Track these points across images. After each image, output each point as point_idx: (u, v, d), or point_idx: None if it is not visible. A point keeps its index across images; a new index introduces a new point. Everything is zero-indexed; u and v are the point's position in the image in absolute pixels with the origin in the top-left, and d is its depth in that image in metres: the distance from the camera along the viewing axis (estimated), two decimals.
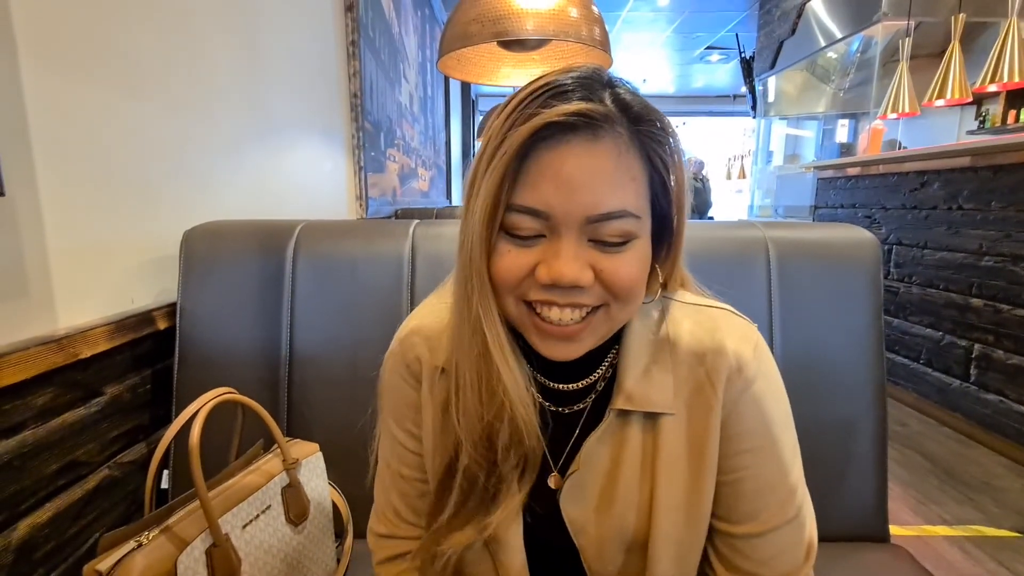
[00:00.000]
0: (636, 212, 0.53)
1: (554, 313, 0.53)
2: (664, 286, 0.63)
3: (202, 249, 1.29)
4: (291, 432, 1.16)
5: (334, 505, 1.06)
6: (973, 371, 2.88)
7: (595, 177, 0.50)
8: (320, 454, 1.03)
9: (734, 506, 0.63)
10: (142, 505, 0.82)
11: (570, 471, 0.63)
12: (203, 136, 1.45)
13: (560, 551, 0.64)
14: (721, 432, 0.61)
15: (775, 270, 1.19)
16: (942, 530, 2.12)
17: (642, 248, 0.55)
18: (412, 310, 0.78)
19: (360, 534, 1.14)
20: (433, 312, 0.70)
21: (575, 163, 0.50)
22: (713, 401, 0.60)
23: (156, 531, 0.75)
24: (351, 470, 1.07)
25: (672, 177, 0.55)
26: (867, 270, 1.18)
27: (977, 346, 2.84)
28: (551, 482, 0.65)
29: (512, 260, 0.53)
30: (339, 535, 1.08)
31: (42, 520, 0.99)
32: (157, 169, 1.28)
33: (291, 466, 0.93)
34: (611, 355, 0.64)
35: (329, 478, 1.06)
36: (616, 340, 0.64)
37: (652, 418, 0.62)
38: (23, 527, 0.94)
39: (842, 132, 5.99)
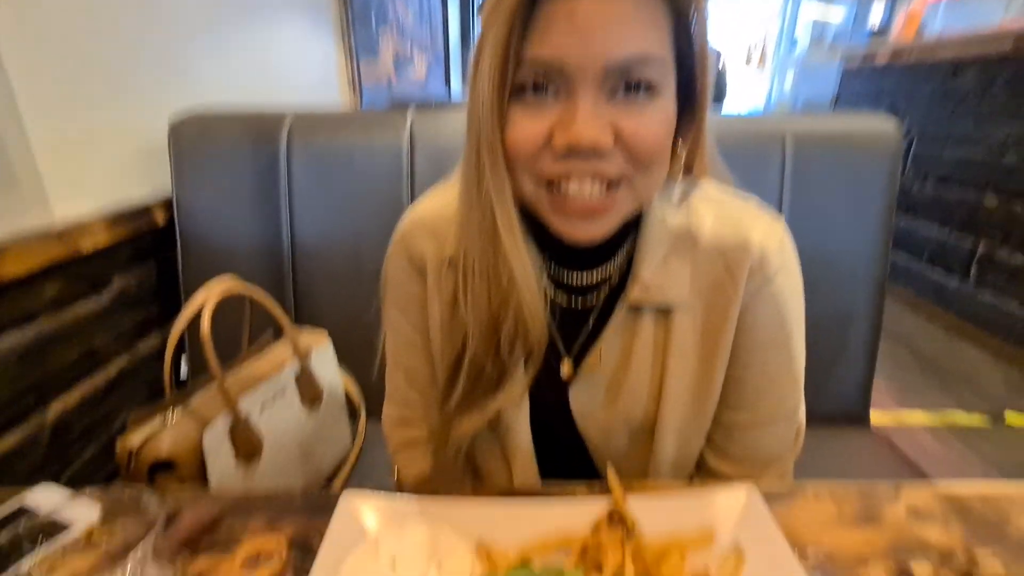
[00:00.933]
0: (659, 57, 0.47)
1: (574, 187, 0.49)
2: (688, 170, 0.59)
3: (191, 141, 1.23)
4: (299, 323, 1.19)
5: (346, 390, 1.12)
6: (974, 270, 2.89)
7: (613, 20, 0.44)
8: (329, 342, 1.06)
9: (735, 396, 0.64)
10: (162, 392, 0.86)
11: (581, 367, 0.64)
12: (174, 17, 1.32)
13: (566, 437, 0.66)
14: (736, 325, 0.61)
15: (789, 162, 1.14)
16: (918, 417, 2.25)
17: (665, 107, 0.49)
18: (413, 202, 0.76)
19: (372, 416, 1.22)
20: (438, 201, 0.67)
21: (590, 5, 0.44)
22: (732, 295, 0.59)
23: (179, 411, 0.79)
24: (360, 357, 1.11)
25: (697, 29, 0.49)
26: (885, 162, 1.13)
27: (983, 245, 2.82)
28: (563, 373, 0.65)
29: (526, 128, 0.48)
30: (352, 417, 1.15)
31: (71, 404, 1.04)
32: (131, 54, 1.18)
33: (302, 353, 0.96)
34: (628, 245, 0.62)
35: (340, 364, 1.11)
36: (634, 230, 0.61)
37: (666, 313, 0.62)
38: (55, 408, 1.00)
39: (876, 14, 5.47)
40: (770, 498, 0.51)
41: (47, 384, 1.00)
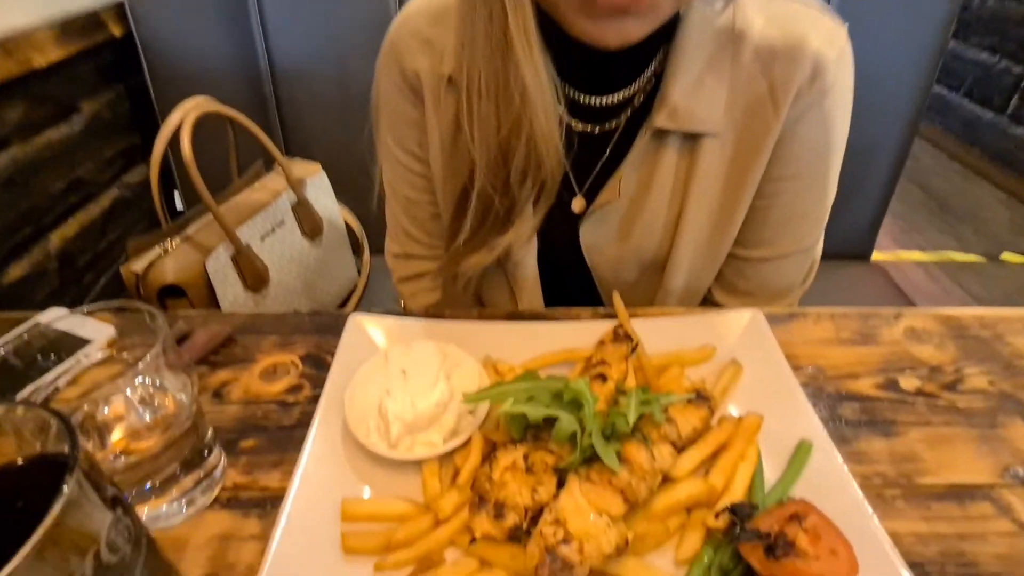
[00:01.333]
0: None
1: None
2: None
3: None
4: (290, 154, 1.12)
5: (347, 224, 1.10)
6: (1014, 102, 2.68)
7: None
8: (323, 173, 1.01)
9: (754, 231, 0.60)
10: (160, 223, 0.84)
11: (596, 201, 0.58)
12: None
13: (573, 270, 0.64)
14: (771, 152, 0.54)
15: None
16: (916, 255, 2.29)
17: None
18: (403, 5, 0.64)
19: (377, 250, 1.22)
20: (434, 1, 0.56)
21: None
22: (772, 120, 0.52)
23: (177, 240, 0.78)
24: (357, 189, 1.07)
25: None
26: None
27: None
28: (574, 207, 0.60)
29: None
30: (356, 251, 1.15)
31: (70, 234, 1.03)
32: None
33: (295, 183, 0.92)
34: (657, 61, 0.53)
35: (337, 199, 1.07)
36: (666, 42, 0.51)
37: (693, 140, 0.55)
38: (55, 239, 1.00)
39: None
40: (771, 320, 0.51)
41: (40, 214, 0.97)
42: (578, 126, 0.56)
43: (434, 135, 0.59)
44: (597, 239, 0.61)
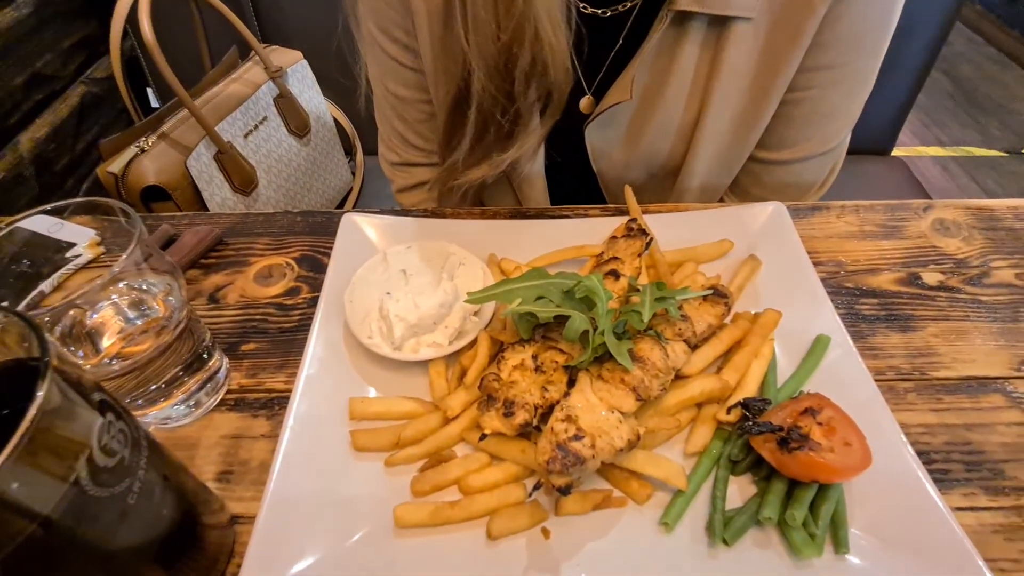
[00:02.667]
0: None
1: None
2: None
3: None
4: (266, 41, 1.02)
5: (337, 123, 1.03)
6: None
7: None
8: (305, 63, 0.92)
9: (778, 130, 0.53)
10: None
11: (605, 100, 0.50)
12: None
13: (579, 171, 0.58)
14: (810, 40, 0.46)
15: None
16: (935, 150, 2.19)
17: None
18: None
19: (370, 150, 1.15)
20: None
21: None
22: (817, 1, 0.44)
23: (153, 137, 0.72)
24: (346, 82, 0.99)
25: None
26: None
27: None
28: (582, 106, 0.54)
29: None
30: (348, 152, 1.09)
31: (41, 135, 0.97)
32: None
33: (275, 74, 0.84)
34: None
35: (325, 95, 0.99)
36: None
37: (720, 25, 0.46)
38: (25, 141, 0.93)
39: None
40: (793, 213, 0.48)
41: (4, 113, 0.90)
42: (587, 7, 0.48)
43: (421, 19, 0.49)
44: (604, 143, 0.55)
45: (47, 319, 0.31)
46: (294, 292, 0.47)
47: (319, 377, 0.38)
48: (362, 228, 0.47)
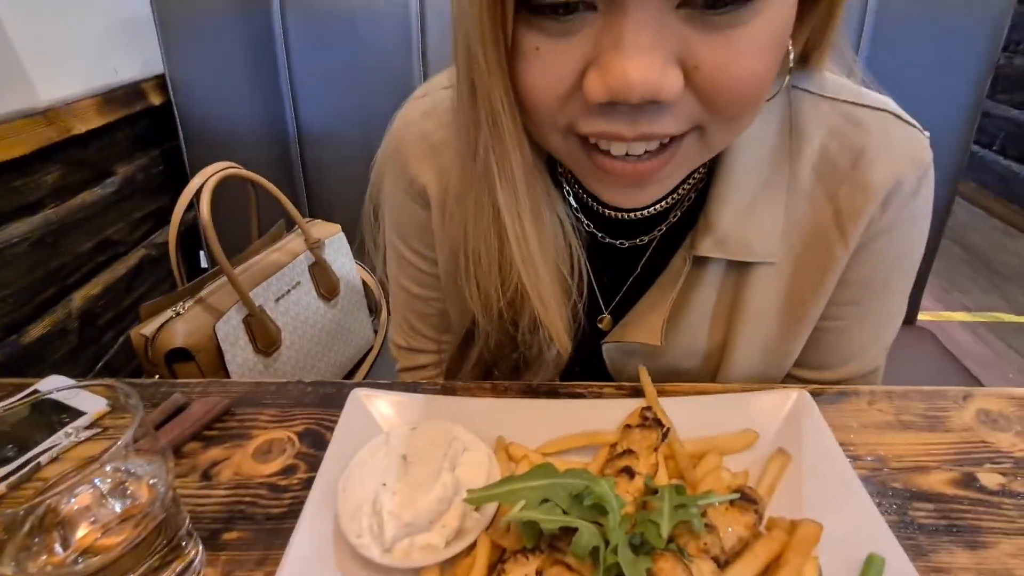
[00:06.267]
0: None
1: (618, 147, 0.34)
2: (805, 60, 0.41)
3: (177, 5, 1.10)
4: (313, 214, 1.13)
5: (365, 284, 1.09)
6: None
7: None
8: (342, 234, 1.01)
9: (816, 356, 0.52)
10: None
11: (627, 333, 0.50)
12: None
13: (594, 364, 0.55)
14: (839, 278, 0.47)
15: (870, 18, 0.95)
16: (961, 316, 2.16)
17: (777, 15, 0.30)
18: (425, 79, 0.63)
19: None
20: (445, 99, 0.49)
21: None
22: (838, 248, 0.45)
23: (191, 302, 0.77)
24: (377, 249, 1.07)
25: None
26: (987, 25, 0.93)
27: None
28: (601, 324, 0.53)
29: (546, 67, 0.31)
30: (374, 311, 1.14)
31: (95, 292, 1.04)
32: None
33: (314, 245, 0.92)
34: (697, 173, 0.46)
35: (356, 259, 1.07)
36: (709, 161, 0.44)
37: (742, 267, 0.46)
38: (78, 298, 1.00)
39: None
40: (818, 399, 0.45)
41: (66, 273, 0.99)
42: (605, 237, 0.49)
43: (443, 248, 0.52)
44: (623, 358, 0.53)
45: (21, 513, 0.29)
46: (291, 471, 0.45)
47: None
48: (368, 406, 0.46)
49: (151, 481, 0.34)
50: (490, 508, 0.36)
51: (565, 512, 0.30)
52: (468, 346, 0.51)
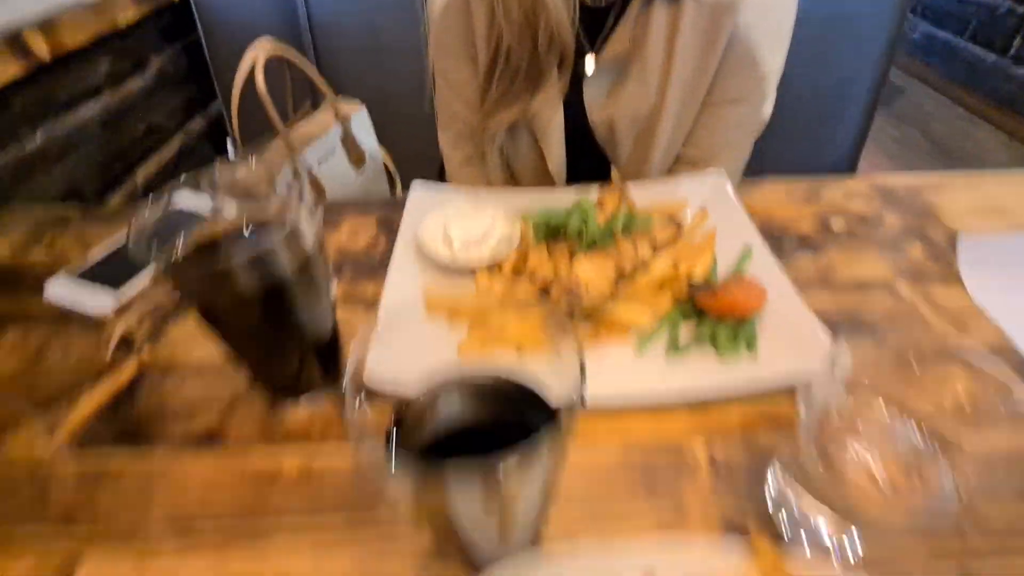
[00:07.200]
0: None
1: None
2: None
3: None
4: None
5: (384, 166, 1.26)
6: (1016, 43, 2.72)
7: None
8: (365, 110, 1.16)
9: (722, 86, 0.73)
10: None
11: (605, 54, 0.71)
12: None
13: (589, 143, 0.77)
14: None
15: None
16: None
17: None
18: None
19: (406, 187, 1.38)
20: None
21: None
22: None
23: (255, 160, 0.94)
24: (391, 130, 1.23)
25: None
26: None
27: None
28: (587, 65, 0.73)
29: None
30: (390, 187, 1.31)
31: (151, 172, 1.21)
32: None
33: (344, 119, 1.08)
34: None
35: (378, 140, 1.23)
36: None
37: (676, 2, 0.67)
38: (140, 175, 1.17)
39: None
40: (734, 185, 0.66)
41: (128, 153, 1.15)
42: (588, 1, 0.71)
43: (479, 17, 0.71)
44: (598, 92, 0.75)
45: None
46: (375, 244, 0.66)
47: (399, 282, 0.55)
48: (427, 193, 0.66)
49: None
50: (516, 240, 0.57)
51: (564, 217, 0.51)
52: (494, 71, 0.72)
